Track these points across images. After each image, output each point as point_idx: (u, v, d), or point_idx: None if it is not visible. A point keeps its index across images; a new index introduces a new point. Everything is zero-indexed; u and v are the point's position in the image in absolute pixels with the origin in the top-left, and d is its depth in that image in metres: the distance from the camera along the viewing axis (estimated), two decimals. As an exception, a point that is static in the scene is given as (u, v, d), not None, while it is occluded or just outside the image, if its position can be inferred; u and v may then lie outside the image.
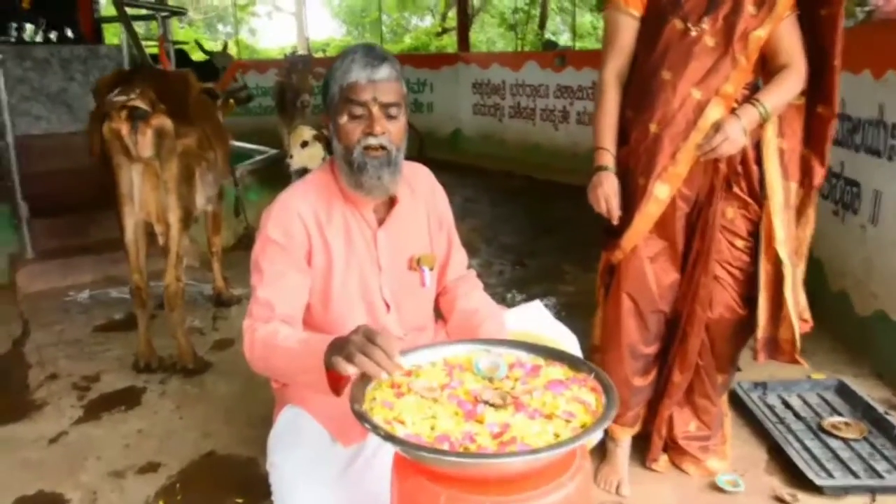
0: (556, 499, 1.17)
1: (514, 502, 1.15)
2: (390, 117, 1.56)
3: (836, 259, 3.28)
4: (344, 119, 1.56)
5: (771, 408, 2.61)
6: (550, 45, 10.42)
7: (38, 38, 6.03)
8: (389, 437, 1.14)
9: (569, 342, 1.87)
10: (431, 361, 1.44)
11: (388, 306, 1.74)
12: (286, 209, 1.64)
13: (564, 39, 14.05)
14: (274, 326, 1.53)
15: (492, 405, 1.26)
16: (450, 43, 15.73)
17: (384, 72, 1.54)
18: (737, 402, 2.59)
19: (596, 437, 1.26)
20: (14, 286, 4.06)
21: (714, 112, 1.94)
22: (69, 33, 5.98)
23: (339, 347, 1.30)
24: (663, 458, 2.26)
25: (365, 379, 1.31)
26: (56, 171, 4.66)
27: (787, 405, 2.64)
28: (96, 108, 3.03)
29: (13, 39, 5.82)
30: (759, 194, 2.03)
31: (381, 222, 1.70)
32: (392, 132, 1.57)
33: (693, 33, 1.95)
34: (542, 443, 1.14)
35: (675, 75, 1.96)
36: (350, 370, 1.27)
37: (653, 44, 2.01)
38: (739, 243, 2.05)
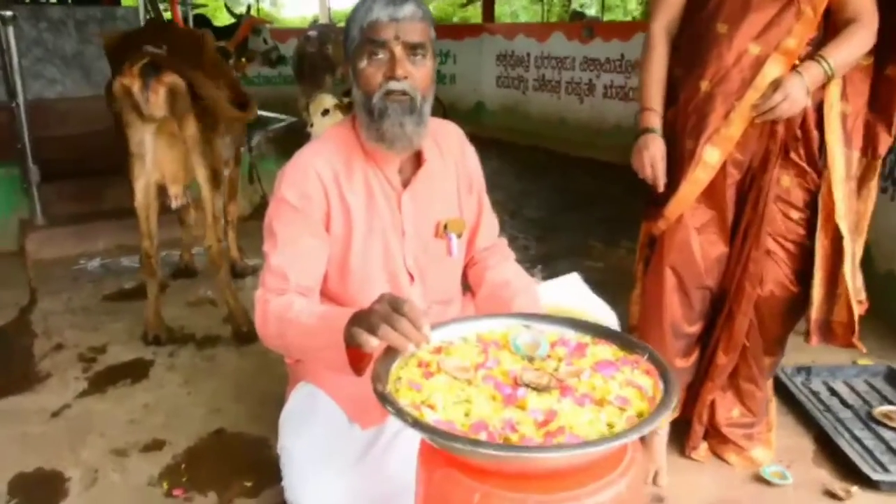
0: (607, 497, 1.01)
1: (558, 501, 0.99)
2: (415, 60, 1.39)
3: (884, 239, 3.08)
4: (364, 62, 1.40)
5: (816, 394, 2.44)
6: (578, 16, 10.17)
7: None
8: (418, 425, 0.98)
9: (608, 318, 1.72)
10: (463, 337, 1.28)
11: (411, 277, 1.58)
12: (302, 168, 1.48)
13: (592, 12, 13.71)
14: (288, 298, 1.39)
15: (534, 388, 1.10)
16: (474, 14, 15.42)
17: (408, 9, 1.37)
18: (779, 388, 2.42)
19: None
20: (24, 252, 3.94)
21: (773, 69, 1.75)
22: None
23: (361, 319, 1.15)
24: (704, 447, 2.10)
25: (390, 356, 1.16)
26: (70, 136, 4.53)
27: (833, 392, 2.46)
28: (112, 68, 2.89)
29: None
30: (818, 162, 1.84)
31: (405, 183, 1.54)
32: (416, 77, 1.40)
33: None
34: (594, 434, 0.99)
35: (731, 28, 1.77)
36: (373, 343, 1.12)
37: None
38: (795, 215, 1.87)
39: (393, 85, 1.38)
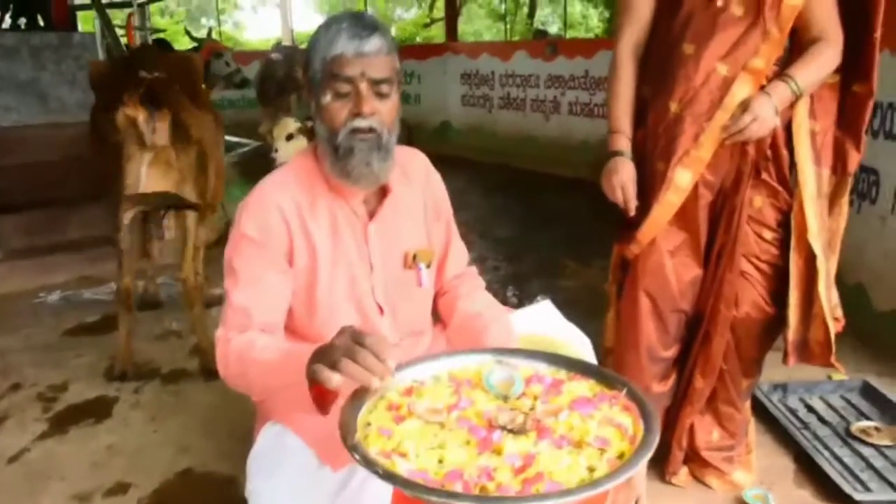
0: (589, 543, 0.97)
1: (539, 548, 0.95)
2: (381, 96, 1.35)
3: (852, 251, 3.08)
4: (328, 98, 1.35)
5: (793, 412, 2.43)
6: (541, 34, 10.24)
7: (6, 25, 5.76)
8: (390, 477, 0.94)
9: (583, 346, 1.68)
10: (435, 376, 1.23)
11: (381, 309, 1.53)
12: (263, 201, 1.43)
13: (555, 30, 13.84)
14: (249, 336, 1.33)
15: (510, 431, 1.05)
16: (437, 34, 15.49)
17: (374, 43, 1.33)
18: (756, 406, 2.39)
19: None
20: (-20, 288, 3.81)
21: (742, 89, 1.74)
22: (40, 20, 5.70)
23: (322, 354, 1.10)
24: (684, 471, 2.07)
25: (357, 399, 1.11)
26: (26, 165, 4.43)
27: (811, 409, 2.45)
28: (98, 97, 2.81)
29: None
30: (789, 181, 1.84)
31: (371, 214, 1.49)
32: (383, 112, 1.36)
33: (719, 2, 1.75)
34: (574, 479, 0.94)
35: (698, 48, 1.76)
36: (335, 379, 1.06)
37: (673, 13, 1.81)
38: (768, 235, 1.86)
39: (359, 123, 1.34)
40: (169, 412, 2.56)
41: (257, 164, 4.81)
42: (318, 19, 23.13)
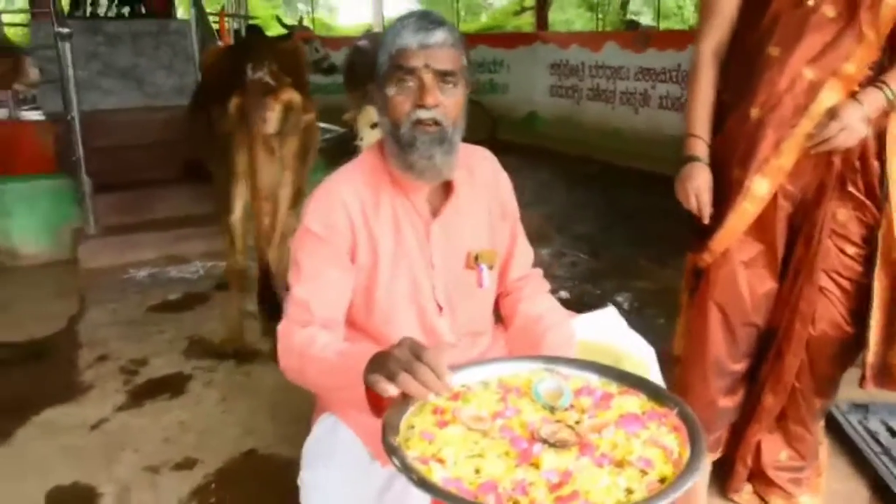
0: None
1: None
2: (445, 88, 1.34)
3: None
4: (392, 90, 1.35)
5: (873, 435, 2.29)
6: (632, 25, 9.99)
7: (111, 13, 6.06)
8: (423, 484, 0.94)
9: (645, 356, 1.62)
10: (484, 381, 1.22)
11: (440, 308, 1.53)
12: (328, 197, 1.45)
13: (647, 20, 13.47)
14: (311, 332, 1.35)
15: (552, 444, 1.04)
16: (528, 22, 15.32)
17: (439, 35, 1.33)
18: (833, 426, 2.29)
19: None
20: (76, 261, 4.04)
21: (829, 96, 1.64)
22: (141, 8, 5.97)
23: (380, 364, 1.11)
24: (747, 489, 1.99)
25: (406, 400, 1.11)
26: (123, 146, 4.66)
27: (894, 433, 2.31)
28: (207, 83, 2.92)
29: (87, 14, 5.85)
30: (878, 195, 1.72)
31: (435, 213, 1.49)
32: (447, 105, 1.35)
33: (810, 2, 1.65)
34: (610, 502, 0.92)
35: (784, 51, 1.67)
36: (391, 391, 1.08)
37: (759, 14, 1.72)
38: (851, 250, 1.75)
39: (422, 114, 1.34)
40: (239, 393, 2.65)
41: (342, 151, 4.91)
42: (409, 5, 23.27)
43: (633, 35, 8.25)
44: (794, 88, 1.67)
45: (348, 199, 1.44)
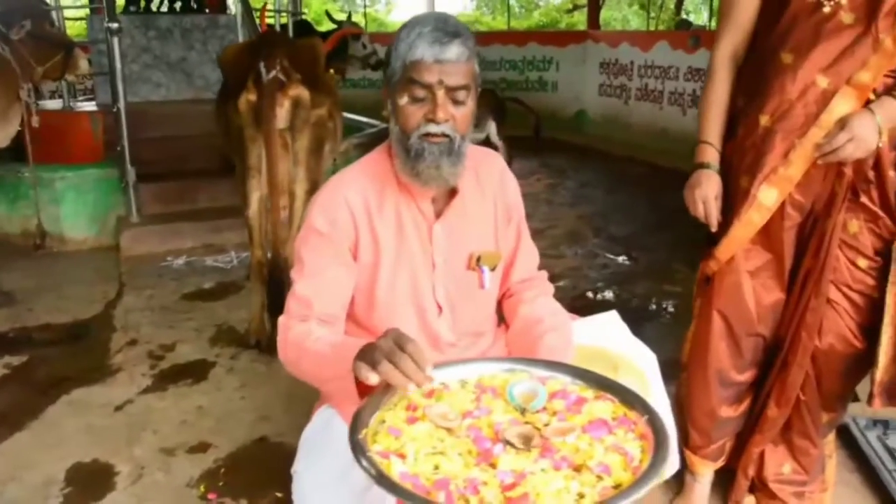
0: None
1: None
2: (457, 102, 1.36)
3: None
4: (405, 100, 1.36)
5: (891, 452, 2.22)
6: (684, 25, 9.83)
7: (164, 8, 6.23)
8: (379, 477, 0.96)
9: (646, 362, 1.61)
10: (463, 380, 1.24)
11: (440, 308, 1.55)
12: (332, 195, 1.48)
13: (702, 19, 13.18)
14: (308, 327, 1.39)
15: (513, 446, 1.05)
16: (580, 20, 15.18)
17: (454, 51, 1.32)
18: (849, 442, 2.24)
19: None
20: (118, 247, 4.19)
21: (842, 105, 1.60)
22: (193, 3, 6.13)
23: (365, 353, 1.15)
24: (749, 500, 1.96)
25: (387, 390, 1.15)
26: (169, 137, 4.80)
27: (913, 451, 2.24)
28: (226, 79, 3.00)
29: (140, 9, 6.04)
30: (893, 206, 1.67)
31: (439, 214, 1.51)
32: (457, 119, 1.37)
33: (826, 9, 1.61)
34: (558, 505, 0.93)
35: (797, 57, 1.63)
36: (373, 379, 1.12)
37: (775, 19, 1.68)
38: (863, 263, 1.71)
39: (432, 128, 1.35)
40: (258, 381, 2.72)
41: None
42: (463, 2, 23.25)
43: (684, 35, 8.08)
44: (806, 96, 1.63)
45: (352, 197, 1.47)
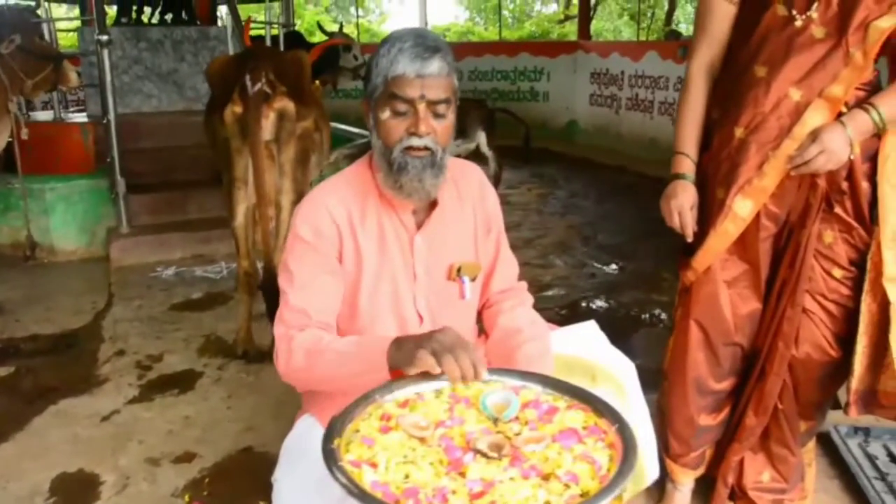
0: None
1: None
2: (438, 116, 1.39)
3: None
4: (387, 114, 1.40)
5: (872, 459, 2.25)
6: (673, 35, 9.89)
7: (155, 20, 6.26)
8: (349, 486, 0.98)
9: (623, 372, 1.63)
10: (438, 390, 1.26)
11: (420, 318, 1.57)
12: (314, 205, 1.51)
13: (692, 30, 13.28)
14: (314, 332, 1.41)
15: (483, 455, 1.07)
16: (571, 31, 15.28)
17: (435, 66, 1.36)
18: (830, 449, 2.26)
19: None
20: (109, 258, 4.20)
21: (815, 117, 1.63)
22: (184, 15, 6.16)
23: (422, 342, 1.21)
24: (729, 509, 1.98)
25: (359, 402, 1.17)
26: (159, 149, 4.83)
27: (894, 458, 2.26)
28: (213, 91, 3.03)
29: (132, 21, 6.07)
30: (867, 217, 1.70)
31: (419, 225, 1.54)
32: (438, 132, 1.40)
33: (798, 22, 1.64)
34: (524, 513, 0.95)
35: (770, 70, 1.67)
36: (436, 369, 1.19)
37: (748, 33, 1.72)
38: (838, 273, 1.73)
39: (415, 141, 1.39)
40: (245, 391, 2.74)
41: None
42: (455, 12, 23.36)
43: (674, 45, 8.15)
44: (780, 109, 1.66)
45: (334, 207, 1.49)
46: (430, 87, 1.36)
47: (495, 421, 1.17)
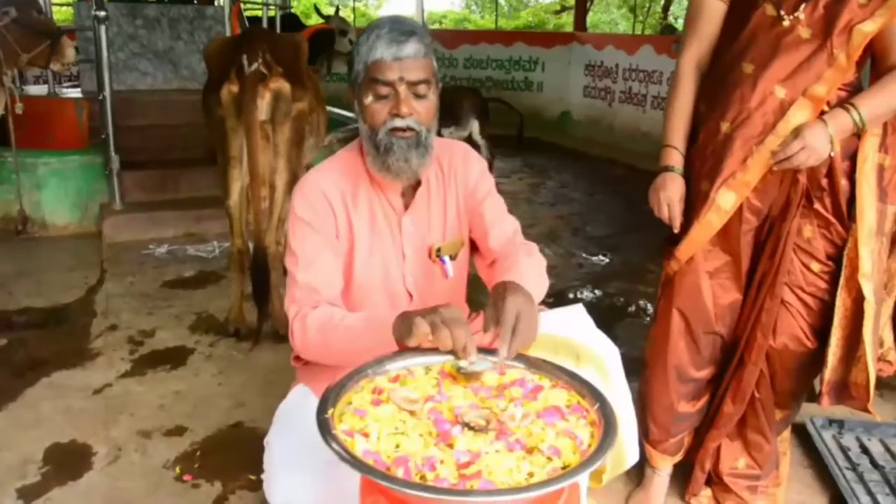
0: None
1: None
2: (418, 96, 1.46)
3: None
4: (369, 99, 1.46)
5: (845, 451, 2.32)
6: (668, 30, 9.93)
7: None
8: (343, 453, 1.03)
9: (608, 355, 1.68)
10: (427, 366, 1.31)
11: (410, 296, 1.63)
12: (309, 187, 1.57)
13: (688, 24, 13.33)
14: (326, 310, 1.46)
15: (471, 428, 1.12)
16: (568, 21, 15.29)
17: (411, 48, 1.43)
18: (805, 439, 2.33)
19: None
20: (101, 234, 4.21)
21: (798, 115, 1.68)
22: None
23: (422, 314, 1.25)
24: (705, 494, 2.04)
25: (352, 374, 1.22)
26: (154, 126, 4.83)
27: (865, 450, 2.34)
28: (210, 71, 3.06)
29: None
30: (845, 214, 1.76)
31: (407, 206, 1.60)
32: (421, 112, 1.46)
33: (786, 23, 1.70)
34: (508, 482, 1.00)
35: (757, 68, 1.72)
36: (428, 337, 1.23)
37: (737, 31, 1.77)
38: (815, 267, 1.80)
39: (398, 122, 1.45)
40: (236, 368, 2.78)
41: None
42: (452, 0, 23.27)
43: (669, 39, 8.19)
44: (765, 106, 1.71)
45: (327, 189, 1.55)
46: (407, 69, 1.42)
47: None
